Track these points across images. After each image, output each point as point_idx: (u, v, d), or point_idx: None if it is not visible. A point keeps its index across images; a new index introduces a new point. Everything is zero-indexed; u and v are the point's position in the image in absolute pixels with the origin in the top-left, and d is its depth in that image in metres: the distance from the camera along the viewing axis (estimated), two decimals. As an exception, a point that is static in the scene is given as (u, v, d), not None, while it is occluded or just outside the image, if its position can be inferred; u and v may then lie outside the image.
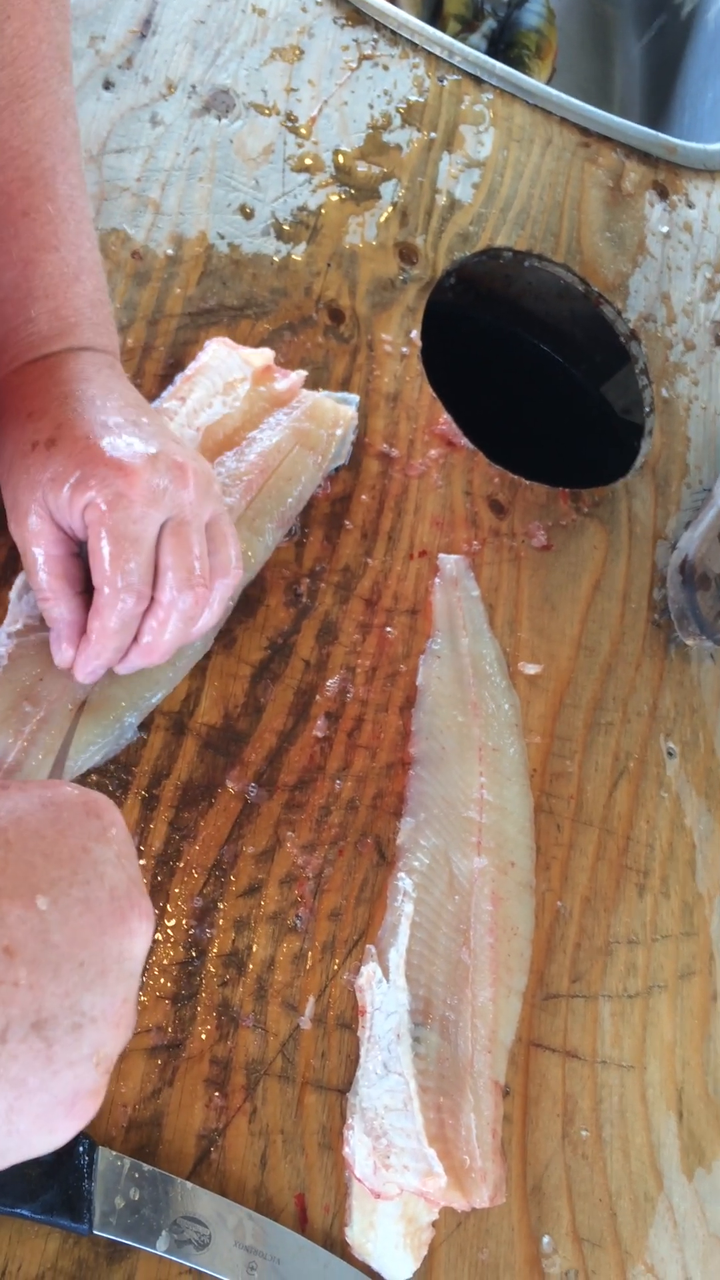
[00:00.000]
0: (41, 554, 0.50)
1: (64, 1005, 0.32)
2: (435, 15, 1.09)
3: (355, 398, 0.65)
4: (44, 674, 0.50)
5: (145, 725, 0.54)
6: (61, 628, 0.50)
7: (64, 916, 0.32)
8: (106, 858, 0.34)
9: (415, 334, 0.70)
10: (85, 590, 0.51)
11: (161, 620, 0.50)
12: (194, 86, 0.69)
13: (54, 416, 0.49)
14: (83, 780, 0.52)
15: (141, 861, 0.52)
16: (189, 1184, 0.47)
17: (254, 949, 0.52)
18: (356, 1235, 0.50)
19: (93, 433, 0.48)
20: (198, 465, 0.50)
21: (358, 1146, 0.51)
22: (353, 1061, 0.52)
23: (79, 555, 0.50)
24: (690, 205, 0.86)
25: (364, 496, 0.64)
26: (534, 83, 0.80)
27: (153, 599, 0.49)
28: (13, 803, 0.34)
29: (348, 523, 0.63)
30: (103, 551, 0.47)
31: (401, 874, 0.57)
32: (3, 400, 0.52)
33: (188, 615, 0.50)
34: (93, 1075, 0.33)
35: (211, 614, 0.52)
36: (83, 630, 0.50)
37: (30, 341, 0.52)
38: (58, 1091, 0.32)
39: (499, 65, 0.79)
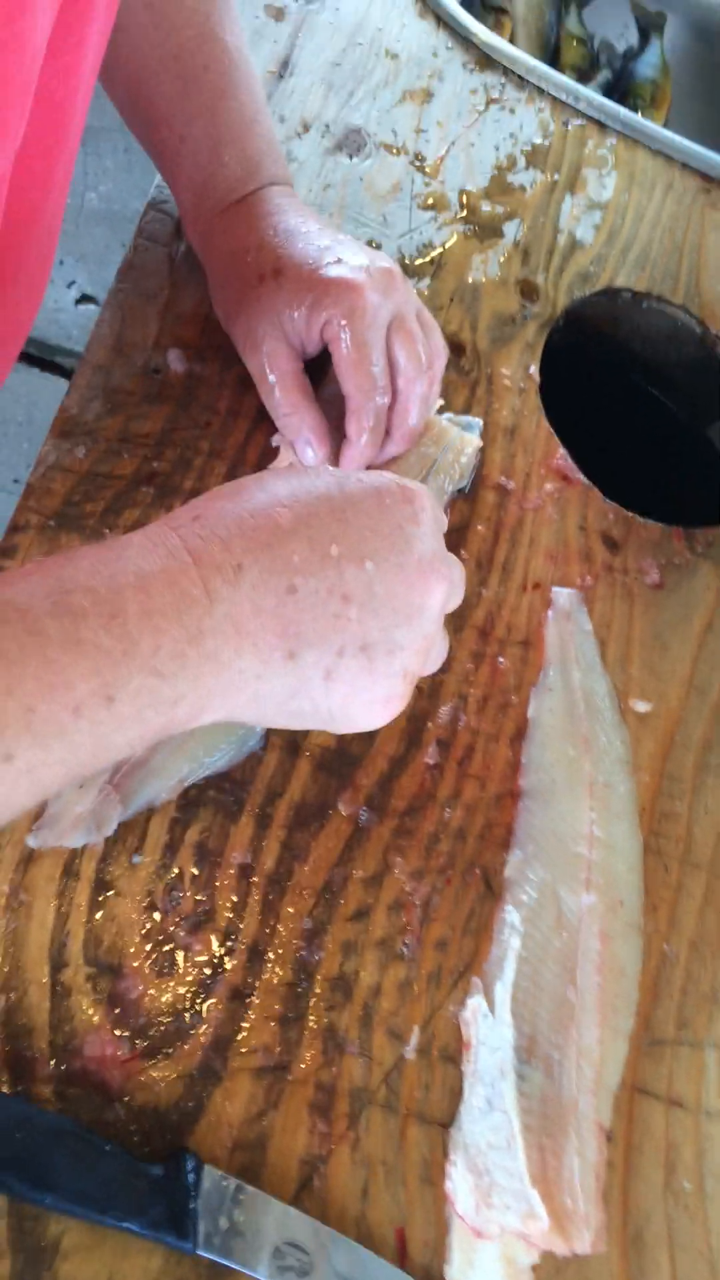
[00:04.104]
0: (280, 372, 0.57)
1: (381, 636, 0.43)
2: (552, 64, 1.10)
3: (478, 422, 0.65)
4: None
5: (263, 742, 0.55)
6: (308, 434, 0.58)
7: (383, 576, 0.42)
8: (416, 534, 0.44)
9: (534, 369, 0.71)
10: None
11: (405, 408, 0.58)
12: (327, 125, 0.71)
13: (271, 249, 0.56)
14: (200, 795, 0.52)
15: (254, 879, 0.52)
16: (292, 1209, 0.46)
17: (360, 975, 0.52)
18: (456, 1274, 0.49)
19: (311, 258, 0.56)
20: (396, 267, 0.58)
21: (459, 1183, 0.50)
22: (456, 1095, 0.52)
23: (305, 371, 0.58)
24: None
25: (480, 527, 0.65)
26: (656, 128, 0.81)
27: (394, 391, 0.58)
28: (349, 489, 0.43)
29: (464, 552, 0.63)
30: (350, 360, 0.55)
31: (509, 907, 0.56)
32: (214, 242, 0.59)
33: (424, 397, 0.58)
34: (401, 684, 0.45)
35: (435, 393, 0.60)
36: (327, 432, 0.58)
37: (227, 184, 0.59)
38: (377, 692, 0.44)
39: (622, 111, 0.80)
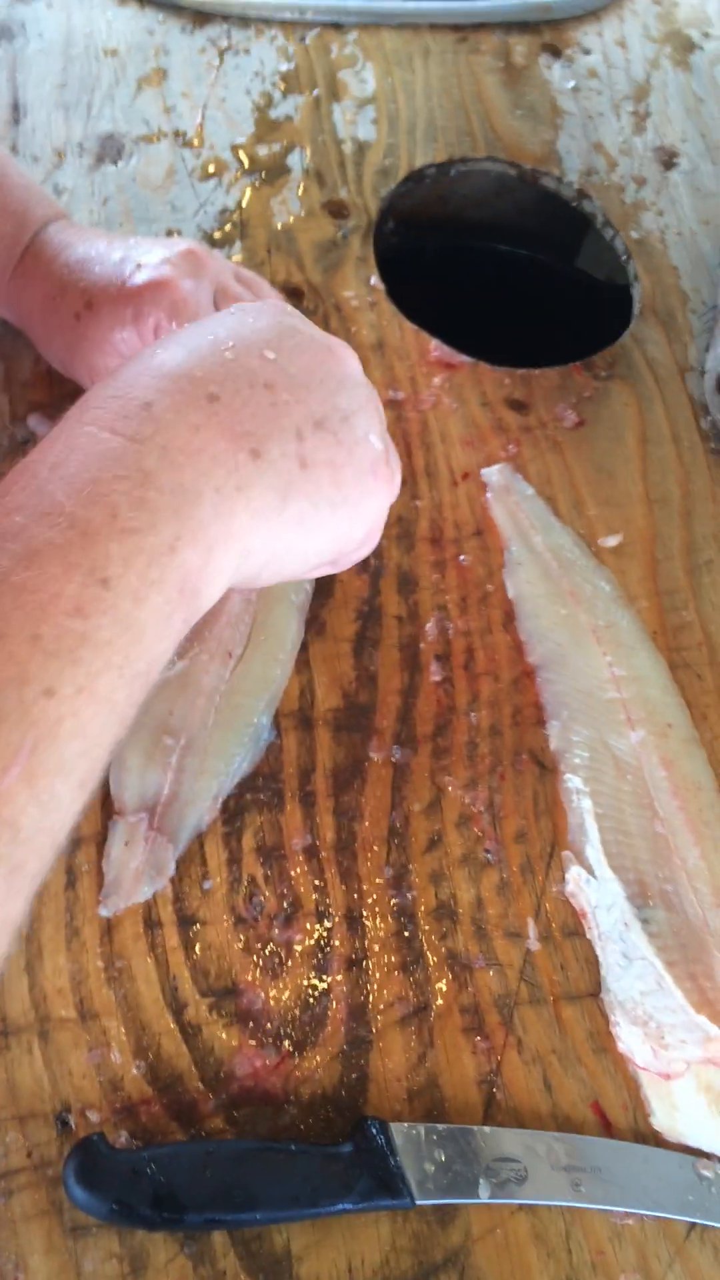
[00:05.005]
0: None
1: (327, 406, 0.43)
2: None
3: None
4: (173, 707, 0.53)
5: (275, 730, 0.55)
6: None
7: (290, 358, 0.43)
8: (296, 323, 0.45)
9: (374, 280, 0.70)
10: None
11: None
12: (80, 145, 0.71)
13: (75, 286, 0.57)
14: (239, 802, 0.53)
15: (322, 855, 0.53)
16: (487, 1127, 0.47)
17: (458, 895, 0.53)
18: (663, 1121, 0.50)
19: (113, 276, 0.56)
20: (195, 245, 0.58)
21: (629, 1038, 0.51)
22: (592, 964, 0.52)
23: None
24: (586, 52, 0.85)
25: (389, 447, 0.65)
26: (388, 3, 0.80)
27: None
28: (214, 317, 0.44)
29: (384, 476, 0.63)
30: None
31: (567, 775, 0.56)
32: (20, 305, 0.60)
33: None
34: (376, 446, 0.45)
35: None
36: None
37: (5, 245, 0.59)
38: (360, 463, 0.44)
39: (350, 2, 0.79)
